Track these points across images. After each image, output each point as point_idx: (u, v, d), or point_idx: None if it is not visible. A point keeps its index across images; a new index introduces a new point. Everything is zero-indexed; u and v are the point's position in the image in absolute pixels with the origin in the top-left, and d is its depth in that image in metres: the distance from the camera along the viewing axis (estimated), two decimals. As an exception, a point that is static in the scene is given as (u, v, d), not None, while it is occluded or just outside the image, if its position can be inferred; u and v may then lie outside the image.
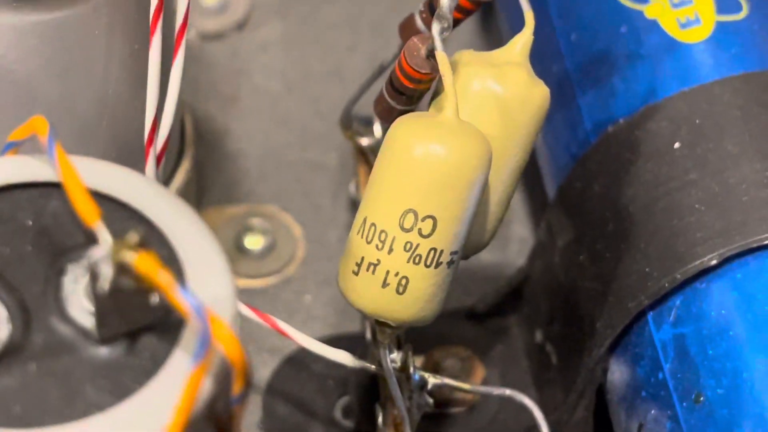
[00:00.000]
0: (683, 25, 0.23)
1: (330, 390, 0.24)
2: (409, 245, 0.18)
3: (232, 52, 0.30)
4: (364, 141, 0.25)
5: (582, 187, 0.24)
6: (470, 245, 0.19)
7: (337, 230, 0.28)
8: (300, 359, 0.24)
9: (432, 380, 0.21)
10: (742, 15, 0.23)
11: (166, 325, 0.15)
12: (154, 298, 0.15)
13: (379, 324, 0.20)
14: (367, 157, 0.25)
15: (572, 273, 0.23)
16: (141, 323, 0.15)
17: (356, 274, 0.19)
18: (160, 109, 0.20)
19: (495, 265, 0.27)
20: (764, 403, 0.19)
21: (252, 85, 0.30)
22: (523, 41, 0.20)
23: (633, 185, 0.22)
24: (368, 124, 0.25)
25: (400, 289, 0.18)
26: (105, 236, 0.15)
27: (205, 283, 0.16)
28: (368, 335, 0.22)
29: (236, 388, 0.15)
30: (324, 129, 0.28)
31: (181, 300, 0.14)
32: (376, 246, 0.18)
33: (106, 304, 0.15)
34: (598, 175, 0.23)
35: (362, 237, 0.19)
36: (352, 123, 0.25)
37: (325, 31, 0.31)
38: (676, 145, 0.21)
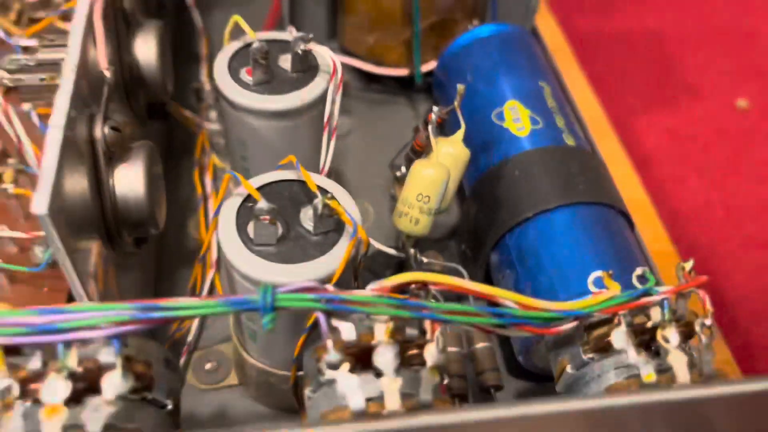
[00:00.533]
0: (518, 129, 0.39)
1: (384, 266, 0.41)
2: (419, 207, 0.34)
3: (345, 145, 0.49)
4: (398, 173, 0.42)
5: (479, 189, 0.39)
6: (440, 208, 0.35)
7: (385, 208, 0.45)
8: (374, 256, 0.40)
9: (425, 259, 0.39)
10: (540, 126, 0.39)
11: (339, 227, 0.29)
12: (336, 217, 0.29)
13: (407, 237, 0.37)
14: (399, 181, 0.41)
15: (476, 221, 0.39)
16: (330, 228, 0.29)
17: (399, 217, 0.35)
18: (325, 161, 0.34)
19: (447, 221, 0.44)
20: (546, 265, 0.34)
21: (354, 158, 0.48)
22: (461, 134, 0.36)
23: (499, 189, 0.38)
24: (399, 167, 0.41)
25: (415, 223, 0.35)
26: (319, 195, 0.28)
27: (351, 212, 0.29)
28: (401, 243, 0.38)
29: (363, 250, 0.30)
30: (383, 170, 0.45)
31: (347, 217, 0.29)
32: (407, 207, 0.35)
33: (318, 220, 0.29)
34: (485, 186, 0.39)
35: (403, 205, 0.35)
36: (393, 167, 0.42)
37: (381, 135, 0.49)
38: (516, 173, 0.37)
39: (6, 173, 0.41)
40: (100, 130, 0.30)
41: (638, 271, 0.27)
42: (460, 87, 0.36)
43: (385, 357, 0.25)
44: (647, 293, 0.26)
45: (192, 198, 0.45)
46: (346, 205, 0.31)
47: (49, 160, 0.25)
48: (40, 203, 0.24)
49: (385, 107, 0.52)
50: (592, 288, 0.27)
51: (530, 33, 0.49)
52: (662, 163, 0.63)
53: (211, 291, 0.41)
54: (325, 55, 0.36)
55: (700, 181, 0.62)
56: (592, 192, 0.37)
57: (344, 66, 0.48)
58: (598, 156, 0.41)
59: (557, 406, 0.20)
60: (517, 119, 0.40)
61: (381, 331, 0.25)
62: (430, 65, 0.50)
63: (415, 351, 0.26)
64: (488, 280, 0.39)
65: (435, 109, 0.36)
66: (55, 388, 0.23)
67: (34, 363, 0.24)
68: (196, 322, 0.39)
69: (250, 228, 0.30)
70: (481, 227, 0.39)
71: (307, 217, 0.30)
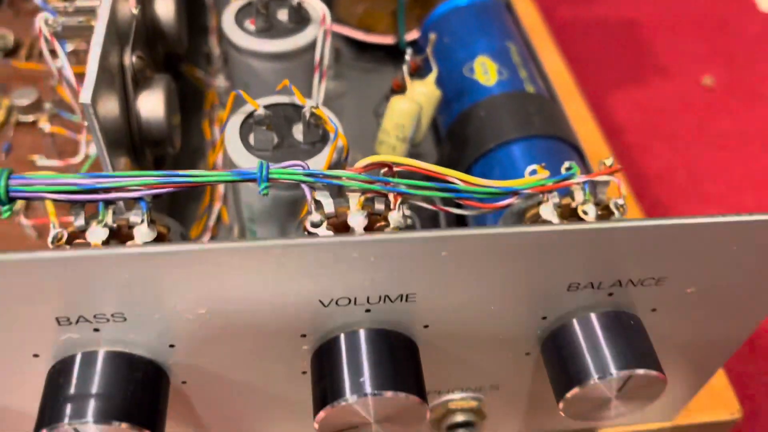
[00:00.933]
0: (486, 80, 0.46)
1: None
2: (396, 135, 0.42)
3: (339, 105, 0.55)
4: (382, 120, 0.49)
5: (453, 131, 0.45)
6: (415, 140, 0.44)
7: (370, 145, 0.49)
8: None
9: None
10: (505, 77, 0.46)
11: (324, 139, 0.36)
12: (322, 129, 0.36)
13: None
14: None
15: (450, 157, 0.45)
16: (317, 139, 0.35)
17: (380, 145, 0.43)
18: (316, 97, 0.41)
19: (428, 159, 0.51)
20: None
21: (346, 117, 0.51)
22: (433, 76, 0.43)
23: (468, 128, 0.44)
24: (383, 114, 0.46)
25: (393, 149, 0.42)
26: (306, 107, 0.35)
27: (335, 122, 0.35)
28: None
29: (344, 155, 0.36)
30: (371, 126, 0.50)
31: (330, 124, 0.35)
32: (386, 135, 0.42)
33: (307, 130, 0.35)
34: (456, 127, 0.45)
35: (382, 133, 0.42)
36: (377, 114, 0.49)
37: (370, 96, 0.53)
38: (482, 114, 0.43)
39: (42, 118, 0.48)
40: (129, 59, 0.37)
41: (566, 164, 0.34)
42: (432, 35, 0.43)
43: (357, 219, 0.31)
44: (571, 177, 0.33)
45: (201, 146, 0.51)
46: (330, 117, 0.37)
47: (91, 65, 0.32)
48: (85, 94, 0.30)
49: (374, 73, 0.58)
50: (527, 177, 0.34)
51: (503, 4, 0.56)
52: (631, 133, 0.69)
53: (218, 222, 0.47)
54: (317, 7, 0.43)
55: (665, 148, 0.68)
56: (547, 127, 0.44)
57: (337, 35, 0.55)
58: (555, 101, 0.47)
59: (491, 230, 0.26)
60: (485, 72, 0.47)
61: (354, 202, 0.32)
62: (414, 34, 0.56)
63: (382, 223, 0.32)
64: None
65: (409, 50, 0.43)
66: (97, 233, 0.29)
67: (79, 221, 0.30)
68: (207, 238, 0.45)
69: (251, 138, 0.37)
70: (453, 162, 0.45)
71: (298, 131, 0.37)
